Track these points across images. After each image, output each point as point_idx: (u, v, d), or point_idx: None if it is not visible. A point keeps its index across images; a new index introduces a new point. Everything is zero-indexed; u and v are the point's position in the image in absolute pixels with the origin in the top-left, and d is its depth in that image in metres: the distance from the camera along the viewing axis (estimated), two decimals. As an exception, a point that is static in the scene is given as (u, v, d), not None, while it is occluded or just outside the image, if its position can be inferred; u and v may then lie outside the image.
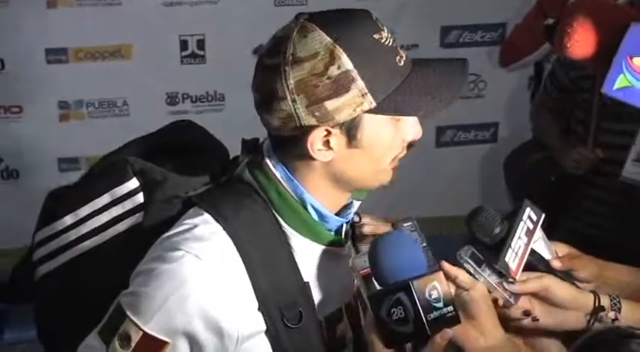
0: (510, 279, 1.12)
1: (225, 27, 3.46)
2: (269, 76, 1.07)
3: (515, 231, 1.16)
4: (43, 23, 3.28)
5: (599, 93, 2.44)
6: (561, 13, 3.11)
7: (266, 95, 1.08)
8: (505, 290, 1.14)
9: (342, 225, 1.20)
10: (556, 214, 2.69)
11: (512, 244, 1.13)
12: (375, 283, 1.06)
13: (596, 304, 1.08)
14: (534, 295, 1.15)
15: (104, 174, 1.21)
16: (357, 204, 1.24)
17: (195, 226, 1.10)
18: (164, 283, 1.06)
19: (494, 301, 1.13)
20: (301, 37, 1.06)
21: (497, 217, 1.15)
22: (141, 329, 1.06)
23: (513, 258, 1.12)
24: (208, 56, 3.50)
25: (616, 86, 0.85)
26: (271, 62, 1.07)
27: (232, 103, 3.57)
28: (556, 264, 1.23)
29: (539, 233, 1.21)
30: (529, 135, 3.14)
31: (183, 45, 3.47)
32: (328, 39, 1.05)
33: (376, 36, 1.08)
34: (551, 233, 2.57)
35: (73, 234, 1.19)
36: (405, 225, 1.23)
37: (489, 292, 1.13)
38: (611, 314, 1.08)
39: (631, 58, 0.85)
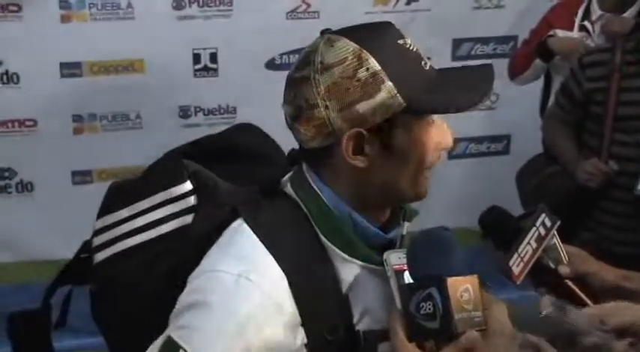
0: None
1: (237, 40, 3.47)
2: (300, 87, 1.10)
3: (526, 236, 1.15)
4: (57, 37, 3.30)
5: (612, 106, 2.45)
6: (568, 26, 3.16)
7: (298, 106, 1.11)
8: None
9: (393, 243, 1.19)
10: (571, 227, 2.68)
11: (520, 249, 1.13)
12: (408, 278, 1.05)
13: None
14: None
15: (161, 173, 1.24)
16: (406, 225, 1.23)
17: (240, 245, 1.11)
18: (219, 313, 1.06)
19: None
20: (328, 47, 1.09)
21: (509, 217, 1.14)
22: None
23: (518, 262, 1.12)
24: (221, 69, 3.51)
25: None
26: (301, 74, 1.11)
27: (244, 116, 3.55)
28: (564, 270, 1.22)
29: (553, 239, 1.20)
30: (541, 147, 3.14)
31: (196, 58, 3.48)
32: (355, 45, 1.08)
33: (400, 41, 1.11)
34: (567, 244, 2.59)
35: (127, 227, 1.23)
36: None
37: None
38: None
39: None
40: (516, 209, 2.86)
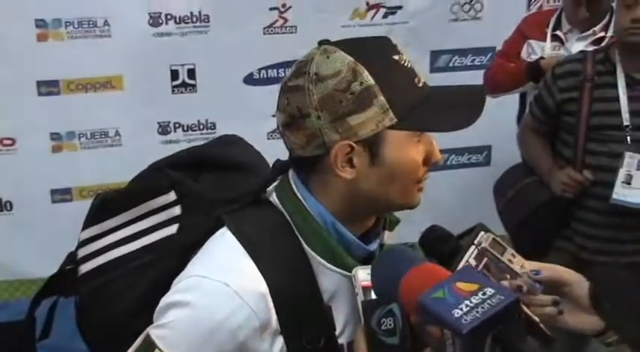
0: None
1: (215, 56, 3.49)
2: (293, 95, 1.11)
3: (464, 255, 1.16)
4: (34, 56, 3.30)
5: (585, 116, 2.49)
6: (541, 36, 3.20)
7: (291, 114, 1.11)
8: (529, 277, 1.13)
9: (372, 253, 1.20)
10: (547, 237, 2.71)
11: (459, 267, 1.13)
12: (374, 296, 1.06)
13: None
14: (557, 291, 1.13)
15: (145, 184, 1.26)
16: (387, 235, 1.24)
17: (223, 252, 1.13)
18: (197, 316, 1.08)
19: (519, 288, 1.12)
20: (324, 58, 1.10)
21: (449, 236, 1.15)
22: None
23: None
24: (199, 85, 3.53)
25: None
26: (295, 83, 1.11)
27: (224, 132, 3.55)
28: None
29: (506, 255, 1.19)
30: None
31: (174, 74, 3.49)
32: (350, 58, 1.09)
33: (395, 57, 1.12)
34: (544, 254, 2.62)
35: (112, 238, 1.25)
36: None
37: (512, 279, 1.11)
38: None
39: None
40: (495, 220, 2.90)
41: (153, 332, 1.10)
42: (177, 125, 3.58)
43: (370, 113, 1.09)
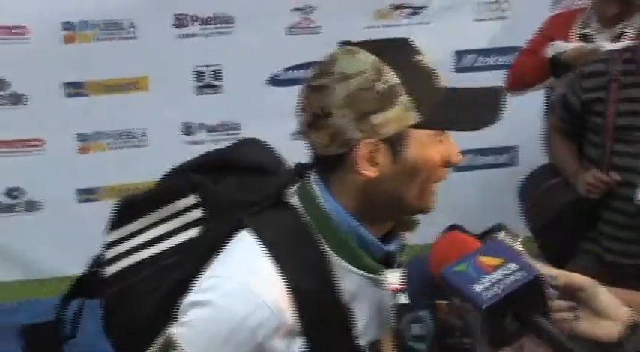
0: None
1: (239, 57, 3.51)
2: (317, 95, 1.12)
3: None
4: (61, 58, 3.35)
5: (612, 116, 2.46)
6: (566, 37, 3.15)
7: (314, 113, 1.12)
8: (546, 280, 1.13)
9: (393, 254, 1.21)
10: (573, 239, 2.69)
11: None
12: (404, 298, 1.07)
13: (634, 319, 1.02)
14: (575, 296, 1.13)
15: (168, 187, 1.29)
16: (407, 235, 1.25)
17: (243, 254, 1.14)
18: (217, 315, 1.10)
19: None
20: (348, 58, 1.12)
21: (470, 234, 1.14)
22: None
23: None
24: (224, 86, 3.55)
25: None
26: (319, 83, 1.12)
27: (248, 132, 3.60)
28: None
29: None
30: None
31: (199, 76, 3.52)
32: (374, 57, 1.10)
33: (418, 57, 1.13)
34: (571, 257, 2.59)
35: (136, 240, 1.27)
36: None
37: None
38: None
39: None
40: (520, 222, 2.88)
41: (174, 330, 1.13)
42: (201, 126, 3.61)
43: (393, 112, 1.09)
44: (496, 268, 0.90)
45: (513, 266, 0.90)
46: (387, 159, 1.12)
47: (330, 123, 1.11)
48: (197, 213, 1.23)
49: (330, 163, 1.15)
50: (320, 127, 1.12)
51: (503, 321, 0.88)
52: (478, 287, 0.88)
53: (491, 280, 0.89)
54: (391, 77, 1.09)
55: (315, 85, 1.13)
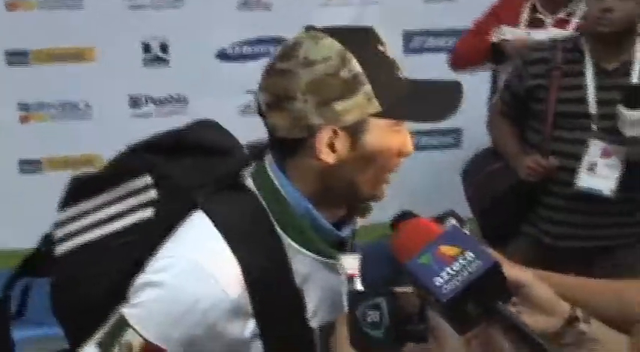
0: None
1: (188, 30, 3.47)
2: (280, 78, 1.12)
3: None
4: (4, 25, 3.25)
5: (552, 103, 2.53)
6: (514, 20, 3.20)
7: (276, 95, 1.12)
8: None
9: (345, 239, 1.22)
10: (514, 221, 2.76)
11: None
12: (359, 284, 1.09)
13: (573, 313, 1.04)
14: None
15: (122, 167, 1.27)
16: (359, 221, 1.27)
17: (197, 235, 1.14)
18: (169, 296, 1.10)
19: None
20: (313, 43, 1.12)
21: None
22: (143, 337, 1.10)
23: None
24: (172, 59, 3.51)
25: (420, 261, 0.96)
26: (283, 66, 1.12)
27: (195, 106, 3.58)
28: None
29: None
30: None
31: (146, 48, 3.47)
32: (339, 45, 1.11)
33: (380, 48, 1.15)
34: (512, 240, 2.66)
35: (88, 220, 1.25)
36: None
37: None
38: (584, 326, 1.04)
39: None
40: (464, 203, 2.94)
41: (126, 311, 1.12)
42: (148, 98, 3.56)
43: (355, 100, 1.11)
44: (455, 258, 0.93)
45: (470, 255, 0.93)
46: (346, 146, 1.13)
47: (292, 108, 1.11)
48: (151, 194, 1.22)
49: (288, 147, 1.16)
50: (281, 110, 1.12)
51: (466, 308, 0.92)
52: (438, 281, 0.92)
53: (450, 272, 0.92)
54: (355, 65, 1.10)
55: (278, 68, 1.13)
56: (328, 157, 1.13)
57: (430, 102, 1.15)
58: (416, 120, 1.17)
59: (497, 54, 3.07)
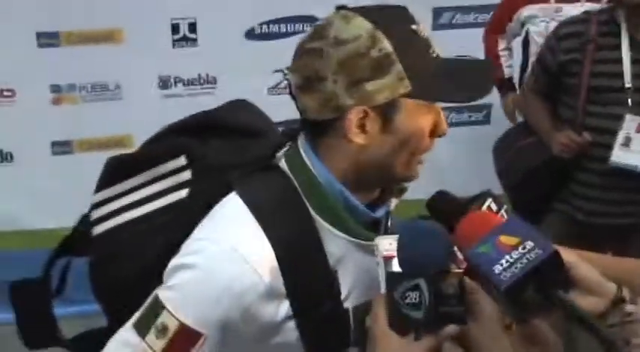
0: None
1: (216, 10, 3.47)
2: (311, 58, 1.11)
3: None
4: (35, 8, 3.28)
5: (586, 77, 2.48)
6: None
7: (307, 76, 1.12)
8: None
9: (379, 220, 1.22)
10: (546, 197, 2.73)
11: None
12: (396, 265, 1.08)
13: (619, 294, 1.03)
14: None
15: (157, 148, 1.28)
16: (394, 202, 1.26)
17: (231, 217, 1.15)
18: (203, 279, 1.10)
19: None
20: (344, 23, 1.11)
21: (458, 203, 1.16)
22: (179, 320, 1.10)
23: None
24: (200, 39, 3.51)
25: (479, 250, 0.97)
26: (313, 45, 1.11)
27: (224, 86, 3.58)
28: None
29: None
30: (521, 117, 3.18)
31: (175, 28, 3.47)
32: (370, 24, 1.10)
33: (413, 27, 1.13)
34: (544, 216, 2.63)
35: (124, 200, 1.26)
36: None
37: None
38: (631, 307, 1.01)
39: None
40: (494, 179, 2.92)
41: (161, 293, 1.13)
42: (177, 79, 3.58)
43: (386, 80, 1.09)
44: (515, 247, 0.94)
45: (529, 244, 0.94)
46: (377, 126, 1.12)
47: (322, 88, 1.10)
48: (186, 175, 1.23)
49: (320, 128, 1.15)
50: (311, 91, 1.12)
51: (526, 296, 0.93)
52: (497, 269, 0.93)
53: (510, 260, 0.93)
54: (386, 45, 1.09)
55: (309, 47, 1.12)
56: (358, 138, 1.12)
57: (463, 81, 1.13)
58: (448, 100, 1.16)
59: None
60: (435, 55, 1.14)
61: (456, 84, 1.12)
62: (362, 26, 1.10)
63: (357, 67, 1.09)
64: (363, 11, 1.13)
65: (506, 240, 0.96)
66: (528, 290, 0.93)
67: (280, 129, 1.32)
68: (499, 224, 1.00)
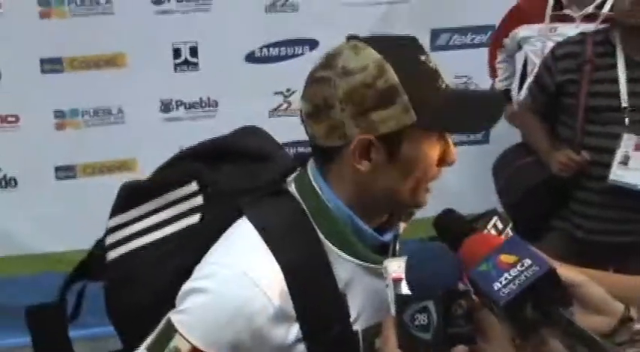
0: None
1: (217, 34, 3.50)
2: (320, 86, 1.15)
3: None
4: (37, 33, 3.31)
5: (584, 97, 2.51)
6: (540, 17, 3.30)
7: (316, 104, 1.15)
8: None
9: (387, 244, 1.24)
10: (545, 216, 2.75)
11: None
12: (405, 288, 1.09)
13: (626, 313, 1.04)
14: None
15: (169, 174, 1.32)
16: (402, 226, 1.28)
17: (241, 241, 1.17)
18: (215, 303, 1.13)
19: None
20: (353, 53, 1.14)
21: (464, 222, 1.17)
22: (190, 343, 1.12)
23: None
24: (201, 63, 3.54)
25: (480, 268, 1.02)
26: (322, 74, 1.15)
27: (225, 109, 3.61)
28: None
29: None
30: (520, 136, 3.20)
31: (176, 52, 3.51)
32: (378, 55, 1.12)
33: (422, 58, 1.15)
34: (544, 234, 2.65)
35: (138, 226, 1.29)
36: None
37: None
38: (639, 326, 1.02)
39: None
40: (493, 198, 2.93)
41: (173, 317, 1.15)
42: (179, 103, 3.60)
43: (392, 111, 1.11)
44: (513, 265, 0.98)
45: (527, 261, 0.98)
46: (382, 155, 1.14)
47: (330, 116, 1.13)
48: (198, 200, 1.26)
49: (328, 154, 1.18)
50: (320, 119, 1.15)
51: (524, 313, 0.97)
52: (496, 285, 0.97)
53: (508, 277, 0.97)
54: (392, 76, 1.11)
55: (319, 76, 1.15)
56: (363, 166, 1.14)
57: (469, 112, 1.15)
58: (453, 131, 1.18)
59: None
60: (443, 85, 1.16)
61: (463, 114, 1.14)
62: (369, 57, 1.12)
63: (364, 97, 1.11)
64: (373, 41, 1.15)
65: (505, 258, 1.00)
66: (527, 306, 0.97)
67: (291, 153, 1.34)
68: (499, 244, 1.03)
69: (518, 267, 0.97)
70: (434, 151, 1.16)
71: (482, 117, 1.16)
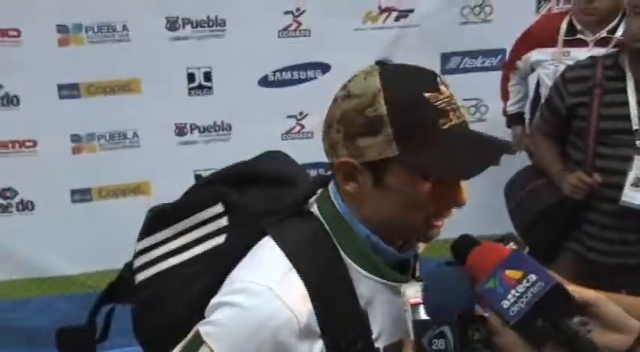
0: None
1: (231, 59, 3.56)
2: (332, 105, 1.20)
3: None
4: (55, 60, 3.38)
5: (595, 120, 2.52)
6: (552, 42, 3.35)
7: (325, 122, 1.20)
8: None
9: (408, 262, 1.26)
10: (558, 238, 2.75)
11: None
12: (423, 312, 1.11)
13: None
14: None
15: (195, 197, 1.35)
16: (422, 246, 1.30)
17: (266, 259, 1.20)
18: (242, 315, 1.15)
19: None
20: (362, 78, 1.17)
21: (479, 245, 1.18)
22: None
23: None
24: (215, 87, 3.59)
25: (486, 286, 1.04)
26: (337, 94, 1.20)
27: (239, 133, 3.66)
28: None
29: None
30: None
31: (190, 77, 3.56)
32: (378, 84, 1.14)
33: (427, 95, 1.13)
34: (556, 256, 2.65)
35: (165, 248, 1.33)
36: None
37: None
38: None
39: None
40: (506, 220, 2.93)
41: (202, 328, 1.18)
42: (193, 126, 3.65)
43: (376, 140, 1.13)
44: (519, 281, 1.01)
45: (532, 277, 1.00)
46: (368, 181, 1.16)
47: (329, 135, 1.18)
48: (223, 222, 1.29)
49: (333, 172, 1.22)
50: (325, 136, 1.20)
51: (536, 325, 0.99)
52: (505, 304, 1.00)
53: (515, 294, 1.00)
54: (381, 107, 1.12)
55: (336, 95, 1.20)
56: (349, 187, 1.18)
57: (465, 157, 1.12)
58: (428, 174, 1.14)
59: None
60: (446, 126, 1.13)
61: (452, 158, 1.11)
62: (371, 85, 1.15)
63: (353, 121, 1.15)
64: (388, 70, 1.16)
65: (511, 273, 1.02)
66: (538, 321, 0.99)
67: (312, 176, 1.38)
68: (503, 258, 1.05)
69: (525, 283, 1.00)
70: (421, 188, 1.14)
71: (474, 166, 1.11)
